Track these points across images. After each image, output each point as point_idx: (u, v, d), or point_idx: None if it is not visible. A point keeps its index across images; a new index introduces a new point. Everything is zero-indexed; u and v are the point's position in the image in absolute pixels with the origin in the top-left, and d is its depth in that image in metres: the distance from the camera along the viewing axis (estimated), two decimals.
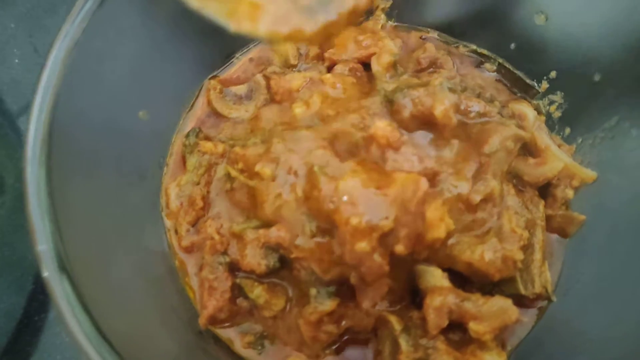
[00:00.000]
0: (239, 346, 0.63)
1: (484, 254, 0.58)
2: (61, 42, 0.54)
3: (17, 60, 0.90)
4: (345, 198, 0.55)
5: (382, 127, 0.59)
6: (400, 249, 0.55)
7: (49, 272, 0.44)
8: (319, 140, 0.60)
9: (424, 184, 0.54)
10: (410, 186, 0.55)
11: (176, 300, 0.63)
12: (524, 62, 0.75)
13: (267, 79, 0.72)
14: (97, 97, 0.60)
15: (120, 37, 0.62)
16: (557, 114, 0.72)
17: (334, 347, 0.64)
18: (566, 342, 0.63)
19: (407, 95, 0.62)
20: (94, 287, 0.48)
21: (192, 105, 0.72)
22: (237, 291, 0.63)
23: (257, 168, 0.58)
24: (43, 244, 0.45)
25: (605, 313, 0.61)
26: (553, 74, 0.72)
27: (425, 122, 0.62)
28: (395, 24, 0.80)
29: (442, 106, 0.60)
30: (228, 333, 0.64)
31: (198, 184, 0.67)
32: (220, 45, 0.73)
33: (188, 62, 0.72)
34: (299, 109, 0.62)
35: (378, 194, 0.55)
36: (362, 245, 0.54)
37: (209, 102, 0.72)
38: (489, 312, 0.57)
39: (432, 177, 0.60)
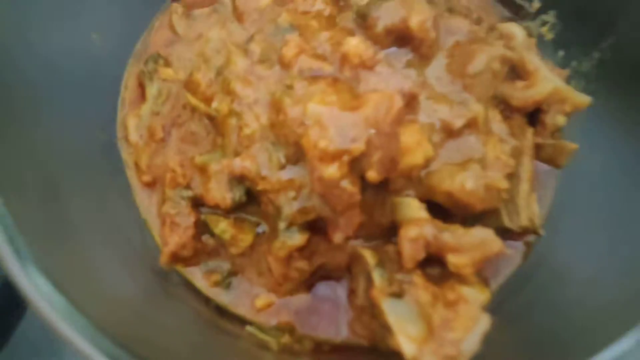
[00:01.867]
0: (204, 286, 0.61)
1: (465, 183, 0.55)
2: None
3: None
4: (312, 121, 0.52)
5: (354, 44, 0.56)
6: (372, 175, 0.52)
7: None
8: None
9: (398, 100, 0.51)
10: (384, 103, 0.51)
11: (137, 239, 0.60)
12: None
13: None
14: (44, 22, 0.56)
15: None
16: (550, 36, 0.68)
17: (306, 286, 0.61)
18: (555, 278, 0.61)
19: (381, 7, 0.58)
20: (49, 235, 0.46)
21: (152, 29, 0.68)
22: (203, 228, 0.61)
23: (214, 105, 0.55)
24: None
25: (597, 247, 0.59)
26: None
27: (401, 36, 0.59)
28: None
29: (418, 17, 0.57)
30: (193, 272, 0.61)
31: (158, 113, 0.63)
32: None
33: None
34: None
35: (349, 115, 0.52)
36: (331, 171, 0.51)
37: (171, 26, 0.68)
38: (470, 243, 0.54)
39: (410, 100, 0.57)
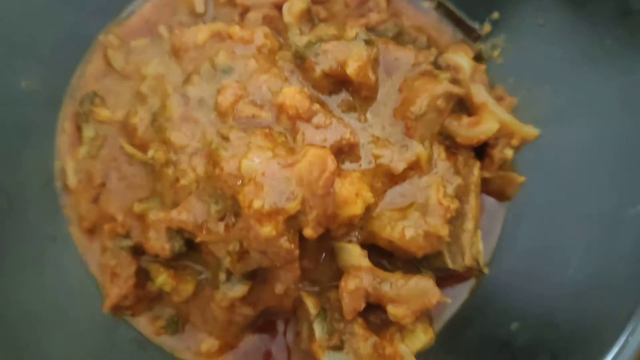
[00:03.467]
0: (150, 332, 0.62)
1: (404, 231, 0.56)
2: None
3: None
4: (247, 178, 0.52)
5: (290, 95, 0.55)
6: (309, 232, 0.53)
7: None
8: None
9: (331, 163, 0.51)
10: (317, 165, 0.52)
11: (79, 290, 0.61)
12: (466, 1, 0.69)
13: (171, 31, 0.66)
14: None
15: None
16: (500, 61, 0.68)
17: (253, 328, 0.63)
18: (502, 313, 0.62)
19: (319, 51, 0.58)
20: None
21: (86, 62, 0.67)
22: (145, 275, 0.61)
23: (150, 153, 0.55)
24: None
25: (540, 281, 0.61)
26: (496, 15, 0.67)
27: (341, 81, 0.58)
28: None
29: (355, 63, 0.56)
30: (138, 320, 0.62)
31: (96, 157, 0.63)
32: None
33: (81, 10, 0.66)
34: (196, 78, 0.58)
35: (284, 172, 0.52)
36: (268, 230, 0.52)
37: (107, 60, 0.67)
38: (409, 294, 0.55)
39: (350, 148, 0.57)
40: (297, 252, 0.54)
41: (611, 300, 0.50)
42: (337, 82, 0.59)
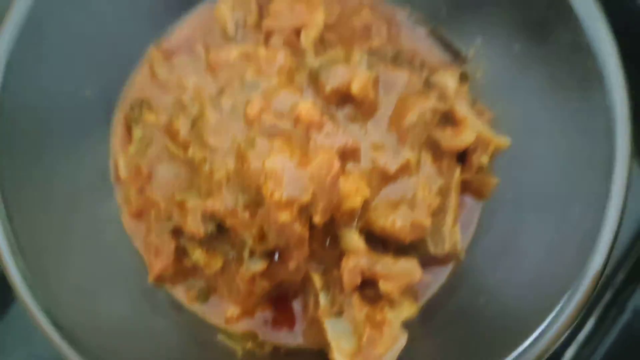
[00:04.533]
0: (184, 299, 0.76)
1: (395, 221, 0.70)
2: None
3: None
4: (269, 174, 0.66)
5: (305, 108, 0.69)
6: (317, 219, 0.66)
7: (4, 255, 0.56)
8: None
9: (336, 165, 0.65)
10: (325, 166, 0.65)
11: (127, 263, 0.75)
12: (455, 28, 0.82)
13: (207, 49, 0.80)
14: (41, 81, 0.69)
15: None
16: (482, 81, 0.81)
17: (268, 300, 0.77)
18: (474, 290, 0.76)
19: (329, 72, 0.71)
20: (50, 267, 0.61)
21: (135, 74, 0.81)
22: (182, 253, 0.75)
23: (190, 152, 0.69)
24: None
25: (506, 265, 0.74)
26: (479, 41, 0.80)
27: (346, 96, 0.72)
28: None
29: (358, 83, 0.70)
30: (175, 288, 0.76)
31: (143, 154, 0.77)
32: (165, 4, 0.81)
33: (130, 29, 0.80)
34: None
35: (299, 170, 0.66)
36: (284, 216, 0.65)
37: (153, 73, 0.81)
38: (397, 272, 0.69)
39: (353, 152, 0.70)
40: (307, 235, 0.67)
41: (553, 281, 0.63)
42: (344, 97, 0.72)
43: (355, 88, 0.69)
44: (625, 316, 0.87)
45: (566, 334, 0.61)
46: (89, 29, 0.74)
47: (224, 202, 0.70)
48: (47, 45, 0.69)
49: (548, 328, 0.61)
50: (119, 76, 0.80)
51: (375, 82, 0.72)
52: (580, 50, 0.66)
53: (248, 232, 0.70)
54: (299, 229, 0.66)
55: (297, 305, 0.77)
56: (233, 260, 0.75)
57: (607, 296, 0.89)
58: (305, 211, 0.67)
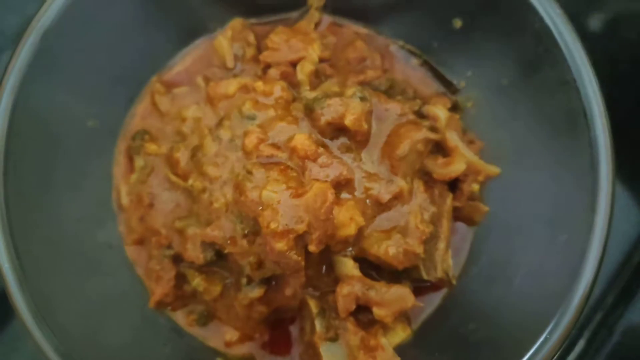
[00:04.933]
0: (185, 324, 0.79)
1: (388, 249, 0.72)
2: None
3: None
4: (266, 204, 0.69)
5: (301, 140, 0.71)
6: (312, 248, 0.69)
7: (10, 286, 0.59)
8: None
9: (330, 196, 0.68)
10: (320, 197, 0.68)
11: (129, 289, 0.78)
12: (446, 60, 0.86)
13: (207, 81, 0.83)
14: (49, 113, 0.72)
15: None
16: (473, 111, 0.84)
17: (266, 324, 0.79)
18: (466, 315, 0.78)
19: (324, 104, 0.74)
20: (53, 293, 0.63)
21: (137, 105, 0.84)
22: (182, 278, 0.78)
23: (190, 182, 0.71)
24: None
25: (496, 290, 0.76)
26: (470, 73, 0.83)
27: (340, 128, 0.75)
28: (332, 18, 0.89)
29: (352, 116, 0.72)
30: (176, 313, 0.79)
31: (145, 182, 0.79)
32: (166, 37, 0.84)
33: (133, 61, 0.83)
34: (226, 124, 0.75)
35: (294, 201, 0.69)
36: (281, 245, 0.68)
37: (154, 103, 0.83)
38: (390, 299, 0.71)
39: (347, 182, 0.73)
40: (303, 263, 0.70)
41: (541, 306, 0.66)
42: (338, 129, 0.74)
43: (349, 120, 0.72)
44: (615, 338, 0.89)
45: (556, 356, 0.64)
46: (94, 61, 0.77)
47: (223, 230, 0.73)
48: (53, 77, 0.72)
49: (538, 351, 0.63)
50: (121, 107, 0.82)
51: (369, 113, 0.75)
52: (566, 84, 0.69)
53: (246, 259, 0.72)
54: (295, 257, 0.69)
55: (294, 330, 0.79)
56: (232, 286, 0.78)
57: (597, 318, 0.91)
58: (301, 240, 0.69)
